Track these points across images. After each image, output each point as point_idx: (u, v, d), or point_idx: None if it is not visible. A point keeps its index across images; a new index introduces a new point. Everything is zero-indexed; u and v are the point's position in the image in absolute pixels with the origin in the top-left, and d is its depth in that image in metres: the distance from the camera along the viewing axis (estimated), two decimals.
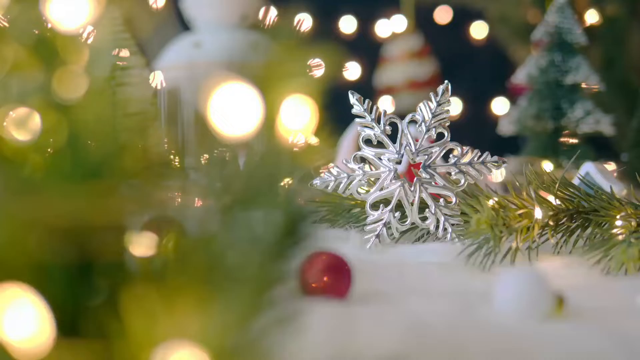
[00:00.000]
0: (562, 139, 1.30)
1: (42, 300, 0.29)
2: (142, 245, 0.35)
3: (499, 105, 2.22)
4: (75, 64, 0.34)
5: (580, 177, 0.90)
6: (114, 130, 0.36)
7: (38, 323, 0.27)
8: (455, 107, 2.31)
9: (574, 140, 1.30)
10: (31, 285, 0.31)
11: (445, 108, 0.86)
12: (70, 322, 0.32)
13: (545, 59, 1.30)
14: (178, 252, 0.35)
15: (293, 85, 0.38)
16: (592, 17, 1.64)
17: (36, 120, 0.33)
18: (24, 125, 0.33)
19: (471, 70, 2.31)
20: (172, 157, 0.41)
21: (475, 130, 2.10)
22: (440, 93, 0.86)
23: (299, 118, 0.36)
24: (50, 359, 0.28)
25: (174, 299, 0.32)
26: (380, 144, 0.87)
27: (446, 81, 0.87)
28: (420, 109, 0.86)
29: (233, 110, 0.27)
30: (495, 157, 0.86)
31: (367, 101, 0.87)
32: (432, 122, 0.86)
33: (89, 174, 0.34)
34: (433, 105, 0.86)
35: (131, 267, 0.34)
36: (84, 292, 0.33)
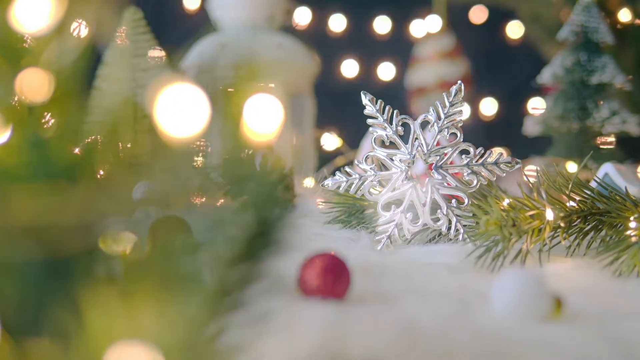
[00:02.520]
0: (590, 140, 1.28)
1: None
2: (108, 245, 0.36)
3: (535, 106, 2.20)
4: (43, 65, 0.35)
5: (598, 180, 0.89)
6: (85, 131, 0.37)
7: None
8: (491, 107, 2.29)
9: (604, 140, 1.28)
10: None
11: (458, 109, 0.85)
12: (31, 320, 0.33)
13: (570, 58, 1.28)
14: (141, 254, 0.36)
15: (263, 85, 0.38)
16: (624, 16, 1.61)
17: (1, 121, 0.34)
18: None
19: (507, 70, 2.29)
20: (151, 157, 0.41)
21: (510, 131, 2.08)
22: (453, 94, 0.86)
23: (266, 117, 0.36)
24: None
25: (133, 299, 0.32)
26: (392, 145, 0.87)
27: (459, 82, 0.86)
28: (433, 110, 0.86)
29: (180, 111, 0.28)
30: (509, 158, 0.85)
31: (379, 102, 0.86)
32: (445, 122, 0.85)
33: (56, 174, 0.34)
34: (446, 105, 0.85)
35: (94, 267, 0.35)
36: (47, 291, 0.33)
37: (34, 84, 0.34)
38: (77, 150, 0.36)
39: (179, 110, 0.28)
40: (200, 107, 0.28)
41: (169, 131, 0.29)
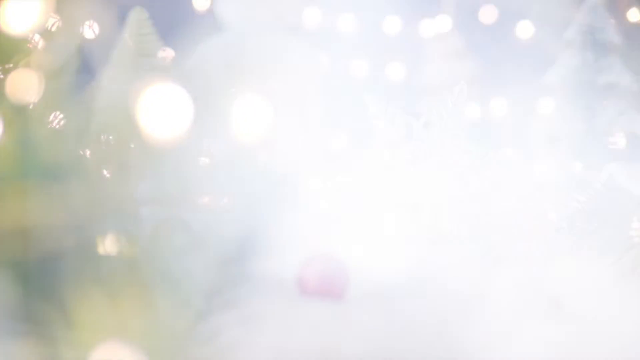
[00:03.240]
0: (597, 140, 1.28)
1: None
2: (100, 245, 0.36)
3: (543, 106, 2.18)
4: (31, 67, 0.35)
5: (603, 180, 0.89)
6: (83, 131, 0.37)
7: None
8: (500, 107, 2.28)
9: (611, 140, 1.27)
10: None
11: (461, 109, 0.85)
12: (21, 318, 0.33)
13: (577, 58, 1.27)
14: (132, 254, 0.36)
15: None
16: (633, 15, 1.60)
17: None
18: None
19: (516, 70, 2.28)
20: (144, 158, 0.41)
21: (519, 131, 2.07)
22: (456, 94, 0.86)
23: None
24: None
25: (123, 298, 0.32)
26: (396, 144, 0.87)
27: (462, 81, 0.86)
28: (436, 110, 0.86)
29: (164, 112, 0.28)
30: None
31: (382, 102, 0.87)
32: (448, 122, 0.85)
33: (48, 173, 0.34)
34: (448, 106, 0.85)
35: (84, 267, 0.35)
36: (36, 289, 0.34)
37: (24, 85, 0.35)
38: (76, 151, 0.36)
39: (163, 111, 0.28)
40: (184, 107, 0.28)
41: (156, 131, 0.29)
